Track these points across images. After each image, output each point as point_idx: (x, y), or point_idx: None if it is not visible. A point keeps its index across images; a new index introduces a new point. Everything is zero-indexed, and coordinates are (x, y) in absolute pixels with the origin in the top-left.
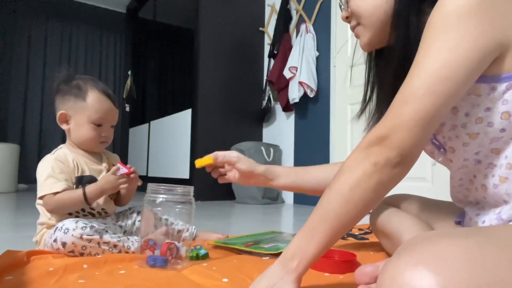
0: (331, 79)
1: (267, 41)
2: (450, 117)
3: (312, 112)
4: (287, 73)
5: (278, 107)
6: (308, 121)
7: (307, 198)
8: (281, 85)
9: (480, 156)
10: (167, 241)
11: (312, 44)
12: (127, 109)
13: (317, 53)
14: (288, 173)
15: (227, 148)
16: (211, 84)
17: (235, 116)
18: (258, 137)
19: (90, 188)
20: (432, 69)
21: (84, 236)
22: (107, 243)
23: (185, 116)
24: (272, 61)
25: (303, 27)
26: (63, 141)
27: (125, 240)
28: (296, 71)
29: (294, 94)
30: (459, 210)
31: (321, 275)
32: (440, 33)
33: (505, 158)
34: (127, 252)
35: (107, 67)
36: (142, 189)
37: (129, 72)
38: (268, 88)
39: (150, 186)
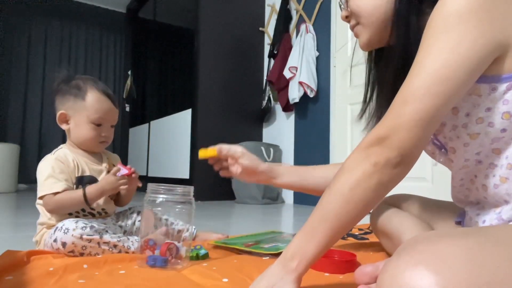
0: (331, 79)
1: (267, 41)
2: (450, 118)
3: (312, 112)
4: (287, 73)
5: (278, 107)
6: (308, 121)
7: (307, 198)
8: (281, 85)
9: (481, 156)
10: (167, 241)
11: (312, 44)
12: (127, 109)
13: (317, 53)
14: (290, 172)
15: None
16: (211, 84)
17: (235, 116)
18: (258, 137)
19: (90, 189)
20: (432, 69)
21: (84, 236)
22: (107, 243)
23: (185, 116)
24: (272, 61)
25: (303, 27)
26: (63, 141)
27: (125, 240)
28: (296, 71)
29: (294, 94)
30: (459, 210)
31: (321, 275)
32: (440, 33)
33: (506, 158)
34: (127, 252)
35: (107, 67)
36: (142, 189)
37: (129, 72)
38: (268, 88)
39: (150, 186)
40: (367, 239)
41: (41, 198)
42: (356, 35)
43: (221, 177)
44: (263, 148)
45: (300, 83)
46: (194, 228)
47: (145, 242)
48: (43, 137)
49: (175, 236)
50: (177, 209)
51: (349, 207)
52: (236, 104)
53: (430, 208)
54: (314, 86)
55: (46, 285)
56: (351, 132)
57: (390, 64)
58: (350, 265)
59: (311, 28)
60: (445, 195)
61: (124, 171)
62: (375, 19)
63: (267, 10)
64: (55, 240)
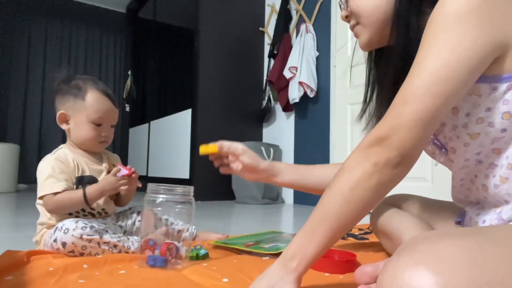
0: (331, 79)
1: (267, 41)
2: (451, 118)
3: (312, 112)
4: (287, 73)
5: (278, 107)
6: (308, 121)
7: (307, 198)
8: (281, 85)
9: (481, 156)
10: (166, 241)
11: (312, 44)
12: (127, 109)
13: (317, 53)
14: (291, 171)
15: None
16: (211, 84)
17: (235, 116)
18: (258, 137)
19: (90, 189)
20: (432, 69)
21: (84, 236)
22: (107, 243)
23: (185, 116)
24: (272, 61)
25: (303, 27)
26: (63, 141)
27: (125, 240)
28: (296, 71)
29: (294, 94)
30: (459, 210)
31: (321, 275)
32: (440, 33)
33: (506, 158)
34: (127, 252)
35: (107, 67)
36: (142, 189)
37: (129, 72)
38: (268, 88)
39: (150, 186)
40: (367, 239)
41: (41, 198)
42: (356, 35)
43: (221, 177)
44: (263, 148)
45: (300, 83)
46: (194, 228)
47: (145, 242)
48: (43, 137)
49: (175, 236)
50: (177, 209)
51: (349, 207)
52: (236, 104)
53: (430, 208)
54: (314, 86)
55: (46, 285)
56: (351, 132)
57: (390, 64)
58: (350, 265)
59: (311, 28)
60: (445, 195)
61: (124, 171)
62: (375, 19)
63: (267, 10)
64: (55, 240)
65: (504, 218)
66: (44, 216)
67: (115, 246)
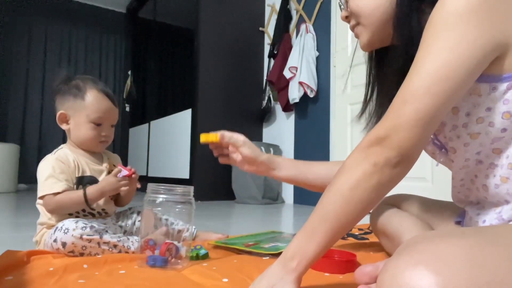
0: (331, 79)
1: (267, 41)
2: (451, 117)
3: (312, 112)
4: (287, 73)
5: (278, 107)
6: (308, 121)
7: (307, 198)
8: (281, 85)
9: (481, 156)
10: (166, 241)
11: (312, 44)
12: (127, 109)
13: (317, 53)
14: (290, 166)
15: None
16: (211, 84)
17: (235, 116)
18: (258, 137)
19: (90, 190)
20: (432, 69)
21: (84, 236)
22: (107, 243)
23: (185, 116)
24: (272, 61)
25: (303, 27)
26: (63, 141)
27: (125, 240)
28: (296, 71)
29: (294, 94)
30: (459, 210)
31: (321, 275)
32: (440, 32)
33: (507, 158)
34: (127, 252)
35: (107, 67)
36: (142, 189)
37: (129, 72)
38: (268, 88)
39: (150, 186)
40: (367, 239)
41: (41, 198)
42: (357, 36)
43: (221, 177)
44: (263, 148)
45: (300, 83)
46: (194, 228)
47: (145, 242)
48: (43, 137)
49: (175, 236)
50: (177, 209)
51: (349, 207)
52: (236, 104)
53: (430, 208)
54: (314, 86)
55: (46, 285)
56: (351, 132)
57: (390, 64)
58: (350, 265)
59: (311, 28)
60: (445, 195)
61: (124, 172)
62: (375, 19)
63: (267, 10)
64: (55, 240)
65: (504, 217)
66: (44, 216)
67: (115, 246)
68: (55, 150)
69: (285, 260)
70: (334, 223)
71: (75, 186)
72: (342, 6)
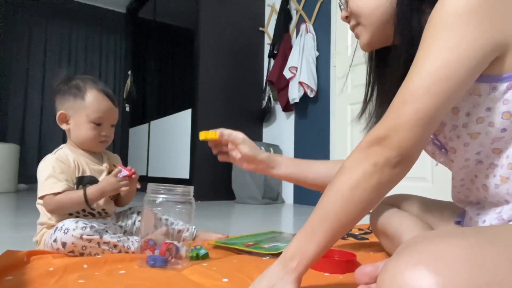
0: (331, 79)
1: (267, 41)
2: (451, 117)
3: (312, 112)
4: (287, 73)
5: (278, 107)
6: (308, 121)
7: (307, 198)
8: (281, 85)
9: (481, 156)
10: (166, 241)
11: (312, 44)
12: (127, 109)
13: (317, 53)
14: (289, 164)
15: None
16: (211, 84)
17: (235, 116)
18: (258, 137)
19: (90, 190)
20: (432, 69)
21: (84, 236)
22: (107, 243)
23: (185, 116)
24: (272, 61)
25: (303, 27)
26: (63, 141)
27: (125, 240)
28: (296, 71)
29: (294, 94)
30: (459, 210)
31: (321, 275)
32: (440, 32)
33: (507, 158)
34: (127, 252)
35: (107, 67)
36: (142, 189)
37: (129, 72)
38: (268, 88)
39: (150, 186)
40: (367, 239)
41: (41, 198)
42: (357, 36)
43: (221, 177)
44: (263, 148)
45: (300, 83)
46: (194, 228)
47: (145, 242)
48: (43, 137)
49: (175, 236)
50: (177, 209)
51: (349, 207)
52: (236, 104)
53: (430, 208)
54: (314, 86)
55: (46, 285)
56: (351, 132)
57: (391, 64)
58: (350, 265)
59: (311, 28)
60: (445, 195)
61: (125, 172)
62: (375, 19)
63: (267, 10)
64: (55, 240)
65: (504, 217)
66: (44, 216)
67: (115, 246)
68: (55, 150)
69: (285, 260)
70: (334, 223)
71: (75, 186)
72: (342, 6)
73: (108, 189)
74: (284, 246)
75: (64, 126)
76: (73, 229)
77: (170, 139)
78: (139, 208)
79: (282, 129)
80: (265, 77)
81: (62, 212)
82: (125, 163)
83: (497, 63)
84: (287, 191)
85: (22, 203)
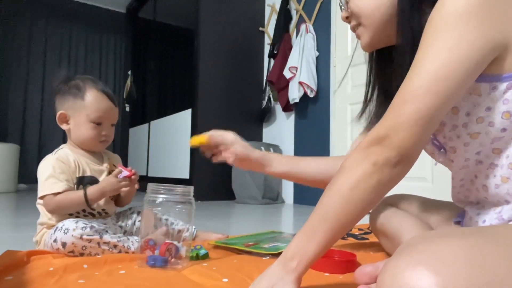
0: (331, 79)
1: (267, 41)
2: (451, 117)
3: (312, 112)
4: (287, 73)
5: (278, 107)
6: (308, 121)
7: (307, 198)
8: (281, 85)
9: (481, 157)
10: (166, 241)
11: (312, 44)
12: (127, 109)
13: (317, 53)
14: (283, 161)
15: None
16: (211, 84)
17: (235, 116)
18: (258, 137)
19: (91, 190)
20: (432, 69)
21: (84, 236)
22: (107, 243)
23: (185, 116)
24: (272, 61)
25: (303, 27)
26: (63, 141)
27: (125, 240)
28: (296, 71)
29: (294, 94)
30: (459, 210)
31: (321, 275)
32: (440, 32)
33: (507, 158)
34: (127, 252)
35: (107, 67)
36: (142, 189)
37: (129, 72)
38: (268, 88)
39: (150, 186)
40: (367, 239)
41: (41, 198)
42: (358, 37)
43: (221, 177)
44: (263, 148)
45: (300, 83)
46: (194, 228)
47: (145, 242)
48: (43, 137)
49: (175, 236)
50: (177, 209)
51: (349, 207)
52: (236, 104)
53: (430, 208)
54: (314, 86)
55: (46, 285)
56: (351, 132)
57: (392, 64)
58: (350, 265)
59: (311, 28)
60: (445, 195)
61: (125, 173)
62: (376, 19)
63: (267, 10)
64: (55, 240)
65: (505, 217)
66: (44, 216)
67: (115, 246)
68: (55, 150)
69: (285, 260)
70: (334, 223)
71: (75, 186)
72: (342, 7)
73: (108, 190)
74: (284, 246)
75: (64, 126)
76: (73, 229)
77: (170, 139)
78: (139, 208)
79: (282, 129)
80: (265, 77)
81: (62, 212)
82: (125, 163)
83: (497, 63)
84: (287, 191)
85: (22, 203)
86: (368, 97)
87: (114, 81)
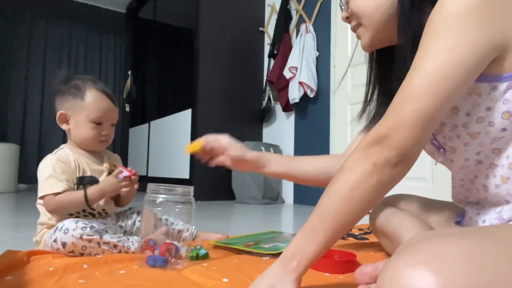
0: (331, 79)
1: (267, 41)
2: (451, 117)
3: (312, 112)
4: (287, 73)
5: (278, 107)
6: (308, 121)
7: (307, 198)
8: (281, 85)
9: (481, 157)
10: (166, 241)
11: (312, 44)
12: (127, 109)
13: (317, 53)
14: (279, 161)
15: None
16: (211, 84)
17: (235, 116)
18: (258, 137)
19: (91, 190)
20: (432, 69)
21: (84, 236)
22: (107, 243)
23: (185, 116)
24: (272, 61)
25: (303, 27)
26: (63, 141)
27: (125, 240)
28: (296, 71)
29: (294, 94)
30: (459, 209)
31: (321, 275)
32: (440, 32)
33: (507, 158)
34: (127, 252)
35: (107, 67)
36: (142, 189)
37: (129, 72)
38: (268, 88)
39: (150, 186)
40: (367, 239)
41: (41, 198)
42: (358, 37)
43: (221, 177)
44: (263, 148)
45: (300, 83)
46: (194, 228)
47: (145, 242)
48: (43, 137)
49: (175, 236)
50: (177, 209)
51: (349, 207)
52: (236, 104)
53: (430, 208)
54: (314, 86)
55: (46, 285)
56: (351, 132)
57: (392, 63)
58: (350, 265)
59: (311, 28)
60: (445, 195)
61: (125, 173)
62: (376, 19)
63: (267, 10)
64: (55, 240)
65: (505, 217)
66: (45, 216)
67: (115, 246)
68: (55, 150)
69: (285, 260)
70: (334, 223)
71: (75, 186)
72: (342, 7)
73: (108, 190)
74: (284, 246)
75: (64, 126)
76: (73, 229)
77: (170, 139)
78: (139, 208)
79: (282, 129)
80: (265, 77)
81: (62, 212)
82: (125, 163)
83: (497, 63)
84: (287, 191)
85: (22, 203)
86: (368, 97)
87: (114, 81)
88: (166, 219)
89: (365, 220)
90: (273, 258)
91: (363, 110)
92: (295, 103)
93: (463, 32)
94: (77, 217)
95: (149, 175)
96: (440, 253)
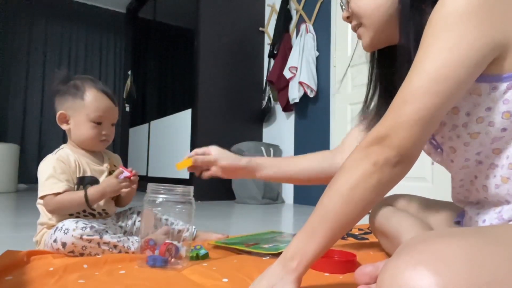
0: (331, 79)
1: (267, 41)
2: (451, 117)
3: (312, 112)
4: (287, 73)
5: (278, 107)
6: (308, 121)
7: (307, 198)
8: (281, 85)
9: (481, 157)
10: (166, 241)
11: (312, 44)
12: (127, 109)
13: (317, 53)
14: (271, 164)
15: (227, 148)
16: (211, 84)
17: (235, 116)
18: (258, 137)
19: (91, 190)
20: (432, 69)
21: (84, 237)
22: (107, 243)
23: (185, 116)
24: (272, 61)
25: (303, 27)
26: (64, 141)
27: (125, 240)
28: (296, 71)
29: (294, 94)
30: (458, 209)
31: (321, 275)
32: (440, 32)
33: (507, 158)
34: (127, 252)
35: (107, 67)
36: (142, 189)
37: (129, 72)
38: (268, 88)
39: (150, 186)
40: (367, 239)
41: (42, 198)
42: (359, 36)
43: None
44: (263, 148)
45: (300, 83)
46: (194, 228)
47: (145, 242)
48: (43, 137)
49: (175, 236)
50: (177, 209)
51: (349, 207)
52: (236, 104)
53: (429, 208)
54: (314, 86)
55: (46, 285)
56: None
57: (392, 63)
58: (350, 265)
59: (311, 28)
60: (445, 195)
61: (126, 173)
62: (376, 19)
63: (267, 10)
64: (55, 240)
65: (505, 217)
66: (45, 216)
67: (115, 246)
68: (56, 150)
69: (285, 260)
70: (334, 223)
71: (76, 186)
72: (343, 7)
73: (109, 190)
74: (284, 246)
75: (64, 126)
76: (73, 229)
77: (170, 139)
78: (139, 208)
79: (282, 129)
80: (265, 77)
81: (62, 212)
82: (125, 163)
83: (497, 63)
84: (287, 191)
85: (22, 203)
86: (369, 97)
87: (114, 81)
88: (166, 219)
89: (365, 220)
90: (273, 258)
91: (363, 110)
92: (295, 103)
93: (463, 32)
94: (77, 217)
95: (149, 175)
96: (440, 253)
